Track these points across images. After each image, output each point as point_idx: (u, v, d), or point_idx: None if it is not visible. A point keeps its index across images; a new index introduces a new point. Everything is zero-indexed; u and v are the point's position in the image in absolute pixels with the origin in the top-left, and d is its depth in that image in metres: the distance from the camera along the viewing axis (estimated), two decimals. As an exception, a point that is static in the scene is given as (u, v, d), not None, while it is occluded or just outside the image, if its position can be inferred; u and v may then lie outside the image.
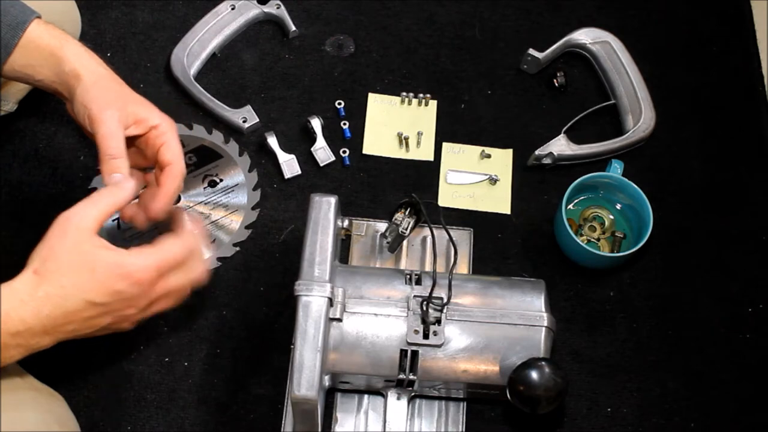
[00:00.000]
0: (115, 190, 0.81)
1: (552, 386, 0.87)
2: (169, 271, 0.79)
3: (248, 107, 1.16)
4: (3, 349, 0.74)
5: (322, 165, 1.14)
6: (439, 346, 0.91)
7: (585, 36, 1.21)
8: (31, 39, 0.88)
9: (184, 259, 0.80)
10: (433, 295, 0.91)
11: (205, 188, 1.12)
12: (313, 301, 0.88)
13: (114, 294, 0.77)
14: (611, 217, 1.11)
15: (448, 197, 1.13)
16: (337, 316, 0.89)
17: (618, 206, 1.11)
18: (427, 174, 1.15)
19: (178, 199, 1.11)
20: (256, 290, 1.07)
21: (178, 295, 0.82)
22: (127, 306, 0.79)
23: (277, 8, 1.22)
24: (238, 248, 1.09)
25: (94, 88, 0.87)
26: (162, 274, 0.79)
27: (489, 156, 1.16)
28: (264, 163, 1.14)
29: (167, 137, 0.89)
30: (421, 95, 1.18)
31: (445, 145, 1.17)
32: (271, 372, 1.02)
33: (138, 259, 0.77)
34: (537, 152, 1.13)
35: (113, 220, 1.08)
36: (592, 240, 1.10)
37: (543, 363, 0.88)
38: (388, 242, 1.06)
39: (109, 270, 0.77)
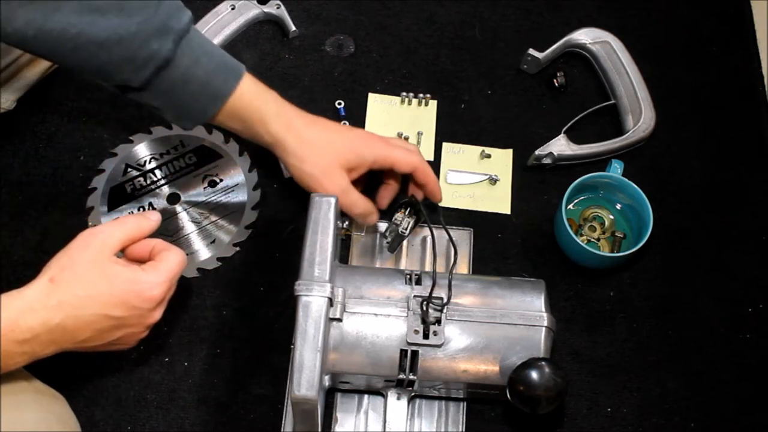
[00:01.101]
0: (142, 219, 0.85)
1: (552, 386, 0.87)
2: (173, 283, 0.84)
3: (248, 107, 1.16)
4: (8, 356, 0.74)
5: (322, 165, 1.14)
6: (439, 346, 0.91)
7: (585, 36, 1.21)
8: (236, 106, 0.92)
9: (182, 268, 0.85)
10: (433, 295, 0.91)
11: (205, 188, 1.12)
12: (313, 301, 0.88)
13: (130, 309, 0.80)
14: (611, 217, 1.11)
15: (448, 197, 1.13)
16: (337, 316, 0.89)
17: (618, 206, 1.11)
18: (427, 174, 1.15)
19: (178, 199, 1.11)
20: (256, 290, 1.07)
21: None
22: (138, 322, 0.81)
23: (277, 8, 1.22)
24: (238, 248, 1.09)
25: (307, 165, 0.94)
26: (170, 288, 0.83)
27: (489, 156, 1.16)
28: (264, 163, 1.14)
29: (416, 162, 1.00)
30: (421, 95, 1.18)
31: (445, 145, 1.17)
32: (271, 372, 1.02)
33: (152, 277, 0.81)
34: (537, 152, 1.13)
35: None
36: (592, 240, 1.10)
37: (543, 363, 0.88)
38: (387, 242, 1.06)
39: (127, 285, 0.79)
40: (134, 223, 0.84)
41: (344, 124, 1.15)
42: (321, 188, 0.95)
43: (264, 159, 1.14)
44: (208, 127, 1.15)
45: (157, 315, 0.84)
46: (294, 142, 0.94)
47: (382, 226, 1.09)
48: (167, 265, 0.83)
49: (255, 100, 0.93)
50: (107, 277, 0.79)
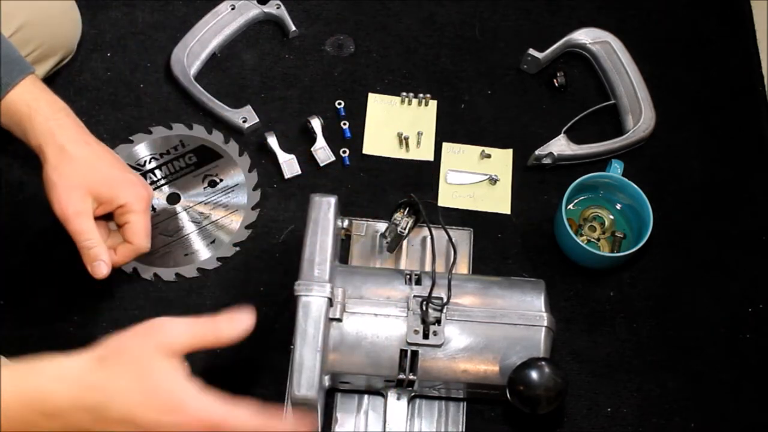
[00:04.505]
0: (220, 328, 0.73)
1: (552, 386, 0.87)
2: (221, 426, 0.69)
3: (248, 107, 1.16)
4: (31, 425, 0.68)
5: (322, 165, 1.14)
6: (438, 346, 0.91)
7: (585, 36, 1.21)
8: (10, 101, 0.88)
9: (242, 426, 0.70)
10: (433, 295, 0.91)
11: (205, 188, 1.12)
12: (312, 301, 0.88)
13: (154, 424, 0.68)
14: (611, 217, 1.11)
15: (448, 197, 1.13)
16: (337, 317, 0.89)
17: (618, 206, 1.11)
18: (427, 174, 1.15)
19: (178, 199, 1.11)
20: (256, 290, 1.07)
21: None
22: None
23: (277, 8, 1.22)
24: (238, 248, 1.09)
25: (55, 173, 0.88)
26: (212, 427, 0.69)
27: (489, 156, 1.16)
28: (264, 163, 1.14)
29: (130, 217, 0.91)
30: (421, 95, 1.18)
31: (445, 145, 1.17)
32: (271, 372, 1.02)
33: (201, 402, 0.69)
34: (537, 152, 1.13)
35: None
36: (592, 240, 1.10)
37: (543, 363, 0.88)
38: (387, 242, 1.06)
39: (170, 395, 0.69)
40: (210, 327, 0.73)
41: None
42: (57, 201, 0.88)
43: (264, 159, 1.14)
44: (208, 127, 1.15)
45: None
46: (54, 150, 0.88)
47: (382, 226, 1.09)
48: (228, 409, 0.69)
49: (31, 101, 0.89)
50: (156, 376, 0.68)
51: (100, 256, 0.89)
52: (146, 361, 0.69)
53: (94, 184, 0.90)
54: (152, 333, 0.71)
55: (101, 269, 0.89)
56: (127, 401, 0.68)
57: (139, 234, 0.92)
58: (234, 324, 0.74)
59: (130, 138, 1.14)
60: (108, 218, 0.94)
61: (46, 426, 0.68)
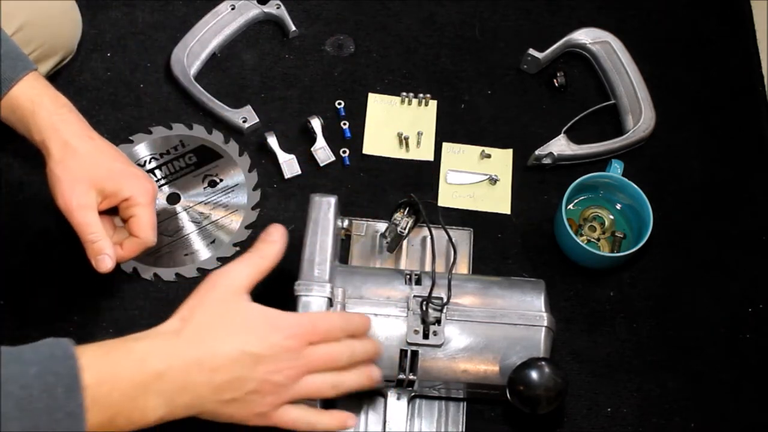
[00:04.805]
0: (264, 252, 0.80)
1: (552, 386, 0.87)
2: (325, 338, 0.77)
3: (248, 107, 1.16)
4: (139, 396, 0.69)
5: (322, 165, 1.14)
6: (438, 346, 0.91)
7: (585, 36, 1.22)
8: (14, 96, 0.89)
9: (342, 330, 0.78)
10: (433, 295, 0.91)
11: (205, 188, 1.12)
12: (312, 302, 0.88)
13: (268, 346, 0.73)
14: (611, 217, 1.11)
15: (448, 197, 1.13)
16: (337, 316, 0.89)
17: (618, 206, 1.11)
18: (427, 174, 1.15)
19: (178, 199, 1.11)
20: (255, 290, 1.06)
21: (335, 379, 0.77)
22: (278, 368, 0.74)
23: (277, 8, 1.22)
24: (238, 248, 1.09)
25: (58, 168, 0.88)
26: (316, 338, 0.76)
27: (489, 156, 1.16)
28: (264, 163, 1.14)
29: (135, 210, 0.91)
30: (421, 95, 1.18)
31: (445, 145, 1.17)
32: (271, 372, 1.02)
33: (290, 316, 0.76)
34: (537, 152, 1.13)
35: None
36: (592, 240, 1.10)
37: (543, 363, 0.88)
38: (387, 242, 1.06)
39: (261, 319, 0.75)
40: (257, 258, 0.79)
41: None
42: (61, 194, 0.88)
43: (264, 159, 1.14)
44: (209, 127, 1.15)
45: (300, 365, 0.74)
46: (57, 145, 0.88)
47: (382, 226, 1.09)
48: (311, 315, 0.79)
49: (35, 97, 0.89)
50: (239, 314, 0.74)
51: (104, 250, 0.88)
52: (225, 305, 0.74)
53: (98, 178, 0.89)
54: (218, 282, 0.76)
55: (105, 263, 0.88)
56: (229, 340, 0.72)
57: (145, 227, 0.91)
58: (274, 244, 0.81)
59: (130, 138, 1.14)
60: (114, 214, 0.94)
61: (161, 397, 0.69)
